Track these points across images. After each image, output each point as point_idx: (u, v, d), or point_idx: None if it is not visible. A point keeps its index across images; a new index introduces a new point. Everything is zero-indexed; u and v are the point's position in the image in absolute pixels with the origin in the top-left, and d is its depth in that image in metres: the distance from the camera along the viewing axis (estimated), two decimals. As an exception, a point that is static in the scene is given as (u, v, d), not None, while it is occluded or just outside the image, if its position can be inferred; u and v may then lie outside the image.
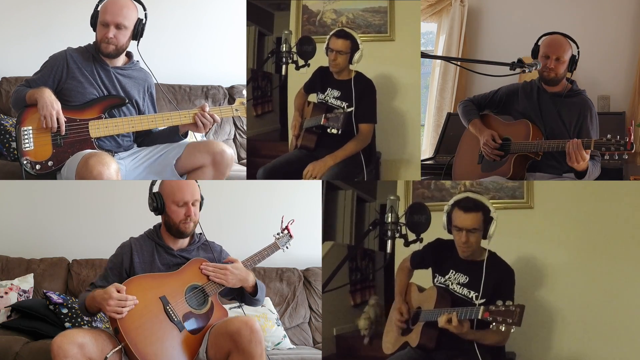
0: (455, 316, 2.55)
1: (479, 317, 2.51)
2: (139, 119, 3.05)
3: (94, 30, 3.03)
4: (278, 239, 3.04)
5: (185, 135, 3.16)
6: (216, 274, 2.72)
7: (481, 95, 3.40)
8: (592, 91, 4.12)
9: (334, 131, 3.07)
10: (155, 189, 2.79)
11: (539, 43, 3.17)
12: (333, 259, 3.34)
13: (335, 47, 3.19)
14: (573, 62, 3.12)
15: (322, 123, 3.10)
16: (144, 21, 3.07)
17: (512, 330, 2.51)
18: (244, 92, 3.24)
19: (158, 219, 2.84)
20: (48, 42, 3.32)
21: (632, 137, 2.83)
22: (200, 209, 2.81)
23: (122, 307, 2.49)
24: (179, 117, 3.06)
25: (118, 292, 2.51)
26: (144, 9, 3.07)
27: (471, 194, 2.72)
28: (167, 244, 2.77)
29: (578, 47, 3.14)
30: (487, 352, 2.62)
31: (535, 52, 3.17)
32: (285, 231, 3.08)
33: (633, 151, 2.84)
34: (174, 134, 3.14)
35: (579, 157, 2.88)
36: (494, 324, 2.46)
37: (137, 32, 3.05)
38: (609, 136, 2.85)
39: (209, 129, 3.13)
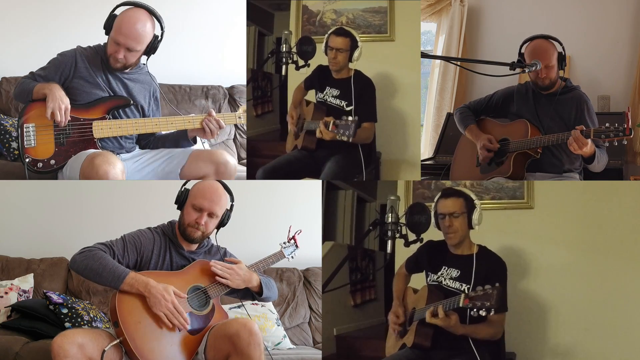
0: (440, 309, 2.57)
1: (460, 305, 2.53)
2: (143, 121, 3.05)
3: (107, 34, 2.99)
4: (284, 248, 3.04)
5: (195, 140, 3.16)
6: (223, 272, 2.72)
7: (477, 100, 3.39)
8: (592, 91, 4.12)
9: (344, 139, 3.00)
10: (189, 185, 2.81)
11: (523, 50, 3.15)
12: (333, 259, 3.35)
13: (334, 45, 3.18)
14: (562, 60, 3.10)
15: (330, 129, 3.05)
16: (159, 38, 3.03)
17: (498, 317, 2.54)
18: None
19: (160, 219, 2.84)
20: (48, 42, 3.33)
21: (630, 122, 2.84)
22: (219, 226, 2.81)
23: (169, 309, 2.51)
24: (182, 122, 3.06)
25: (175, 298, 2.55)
26: (162, 27, 3.02)
27: (453, 186, 2.83)
28: (180, 242, 2.77)
29: (562, 45, 3.11)
30: (486, 351, 2.62)
31: (521, 60, 3.14)
32: (292, 241, 3.08)
33: (631, 136, 2.85)
34: (182, 139, 3.13)
35: (581, 144, 2.88)
36: (474, 309, 2.48)
37: (150, 50, 3.02)
38: (607, 124, 2.85)
39: (217, 135, 3.12)
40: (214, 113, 3.06)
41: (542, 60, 3.07)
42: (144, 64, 3.13)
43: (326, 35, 3.21)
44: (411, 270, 2.90)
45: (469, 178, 3.27)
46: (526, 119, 3.16)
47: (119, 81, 3.05)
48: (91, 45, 3.06)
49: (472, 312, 2.49)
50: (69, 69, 2.97)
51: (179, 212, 2.80)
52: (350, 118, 3.02)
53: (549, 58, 3.08)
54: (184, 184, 2.81)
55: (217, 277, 2.71)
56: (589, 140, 2.87)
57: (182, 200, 2.77)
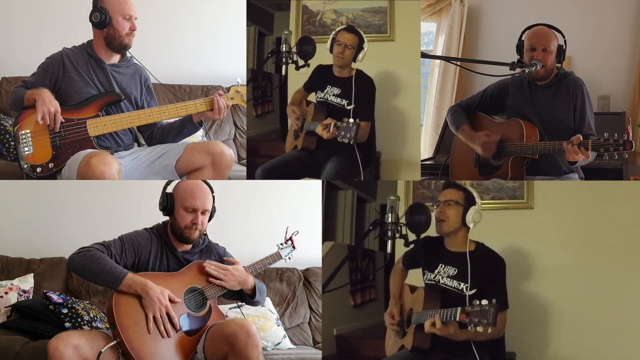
0: (438, 319, 2.54)
1: (457, 319, 2.50)
2: (137, 114, 3.04)
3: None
4: (281, 249, 3.05)
5: (201, 124, 3.14)
6: (217, 273, 2.72)
7: (469, 98, 3.36)
8: (592, 91, 4.11)
9: (345, 141, 3.00)
10: (170, 189, 2.78)
11: (523, 37, 3.13)
12: (333, 259, 3.34)
13: (344, 40, 3.18)
14: (561, 52, 3.08)
15: (331, 131, 3.05)
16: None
17: (500, 316, 2.50)
18: (239, 79, 3.19)
19: (158, 219, 2.83)
20: (48, 42, 3.31)
21: (631, 135, 2.79)
22: (210, 219, 2.81)
23: (161, 313, 2.52)
24: (175, 110, 3.05)
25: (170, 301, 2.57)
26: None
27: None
28: (173, 244, 2.77)
29: (564, 37, 3.09)
30: (485, 351, 2.61)
31: (519, 47, 3.13)
32: (289, 242, 3.08)
33: (632, 150, 2.79)
34: (188, 123, 3.11)
35: (576, 157, 2.86)
36: (472, 325, 2.45)
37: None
38: (606, 135, 2.80)
39: (224, 114, 3.10)
40: (221, 92, 3.07)
41: (541, 43, 3.05)
42: (131, 56, 3.13)
43: (334, 32, 3.22)
44: (408, 266, 2.89)
45: (468, 178, 3.26)
46: (523, 113, 3.13)
47: (108, 76, 3.04)
48: (76, 45, 3.07)
49: (469, 327, 2.46)
50: (57, 71, 2.98)
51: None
52: (351, 120, 3.01)
53: (548, 42, 3.05)
54: (164, 188, 2.79)
55: (211, 278, 2.72)
56: (587, 151, 2.83)
57: (169, 205, 2.74)
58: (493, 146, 3.13)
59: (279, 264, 3.13)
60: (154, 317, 2.52)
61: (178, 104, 3.08)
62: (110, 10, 2.99)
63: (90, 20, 3.00)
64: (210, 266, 2.73)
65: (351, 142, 3.01)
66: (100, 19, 2.98)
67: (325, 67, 3.29)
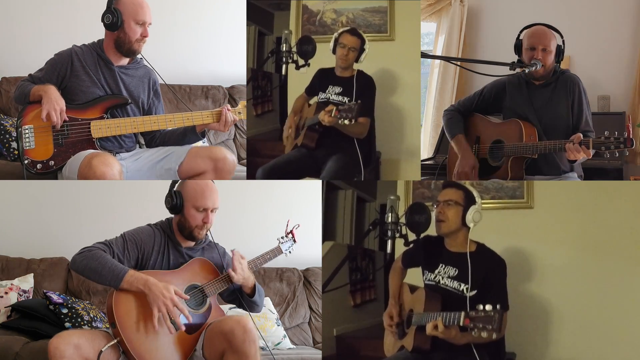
0: (440, 322, 2.53)
1: (461, 324, 2.47)
2: (142, 120, 3.03)
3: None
4: (282, 243, 3.05)
5: (203, 134, 3.14)
6: (237, 263, 2.73)
7: (466, 99, 3.36)
8: (592, 91, 4.12)
9: (347, 122, 2.99)
10: (176, 186, 2.78)
11: (521, 37, 3.13)
12: (333, 259, 3.34)
13: (348, 42, 3.23)
14: (559, 52, 3.09)
15: (333, 115, 3.06)
16: None
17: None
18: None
19: (159, 219, 2.84)
20: (48, 42, 3.32)
21: (632, 133, 2.79)
22: None
23: (168, 308, 2.51)
24: (182, 119, 3.05)
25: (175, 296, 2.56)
26: None
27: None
28: (177, 240, 2.77)
29: (562, 37, 3.10)
30: (485, 352, 2.60)
31: (518, 47, 3.13)
32: (290, 235, 3.08)
33: (633, 147, 2.79)
34: (190, 133, 3.11)
35: (578, 155, 2.86)
36: (475, 330, 2.42)
37: None
38: (606, 133, 2.80)
39: (229, 128, 3.10)
40: (228, 106, 3.07)
41: (541, 43, 3.05)
42: (141, 58, 3.11)
43: (336, 34, 3.26)
44: (407, 265, 2.87)
45: (466, 178, 3.26)
46: (522, 114, 3.13)
47: (116, 78, 3.02)
48: (86, 43, 3.05)
49: (472, 333, 2.43)
50: (65, 68, 2.96)
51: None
52: (353, 102, 3.04)
53: (547, 42, 3.05)
54: (171, 186, 2.79)
55: (231, 268, 2.72)
56: (588, 149, 2.82)
57: (178, 204, 2.74)
58: (466, 179, 3.15)
59: (279, 264, 3.13)
60: (162, 312, 2.51)
61: (185, 113, 3.06)
62: (124, 13, 2.95)
63: (102, 20, 2.97)
64: (237, 254, 2.75)
65: (352, 122, 3.01)
66: (112, 21, 2.94)
67: (326, 69, 3.32)
